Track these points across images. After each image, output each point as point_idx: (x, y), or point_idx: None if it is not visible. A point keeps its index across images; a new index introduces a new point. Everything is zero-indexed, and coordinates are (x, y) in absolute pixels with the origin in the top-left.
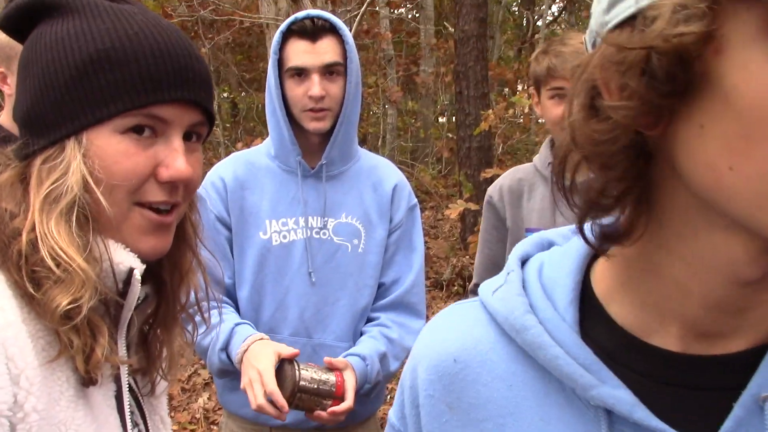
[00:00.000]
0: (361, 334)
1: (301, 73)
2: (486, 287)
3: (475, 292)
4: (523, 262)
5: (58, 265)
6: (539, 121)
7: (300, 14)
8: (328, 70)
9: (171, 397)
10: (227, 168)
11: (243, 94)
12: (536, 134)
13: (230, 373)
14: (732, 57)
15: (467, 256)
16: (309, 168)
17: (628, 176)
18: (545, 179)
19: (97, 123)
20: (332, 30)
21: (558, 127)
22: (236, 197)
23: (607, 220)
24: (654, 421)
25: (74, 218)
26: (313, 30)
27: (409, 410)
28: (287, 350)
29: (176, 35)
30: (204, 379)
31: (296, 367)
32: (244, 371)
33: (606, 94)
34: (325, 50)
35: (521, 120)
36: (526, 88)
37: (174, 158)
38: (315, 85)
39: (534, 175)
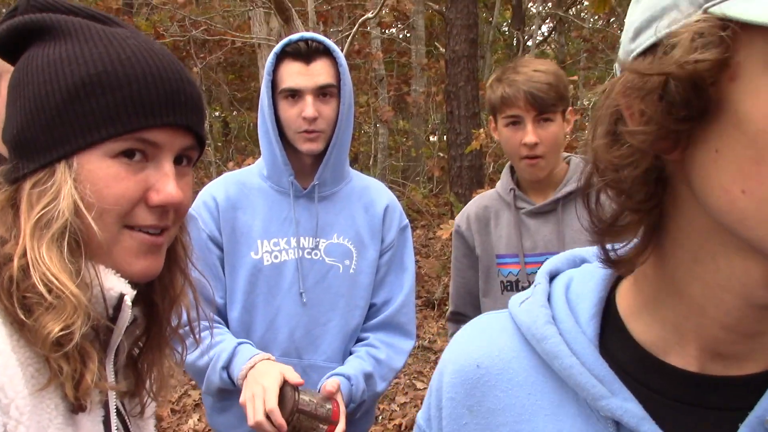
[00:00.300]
0: (349, 352)
1: (294, 94)
2: (515, 299)
3: (453, 320)
4: (553, 277)
5: (50, 291)
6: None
7: (294, 36)
8: (322, 92)
9: (161, 419)
10: (219, 188)
11: (234, 113)
12: None
13: (228, 392)
14: (745, 84)
15: None
16: (301, 188)
17: (644, 205)
18: (509, 205)
19: (88, 147)
20: (326, 52)
21: (513, 157)
22: (228, 217)
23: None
24: None
25: (66, 243)
26: (307, 52)
27: (434, 412)
28: (293, 375)
29: (168, 59)
30: (194, 401)
31: (296, 389)
32: (246, 386)
33: (628, 120)
34: (319, 72)
35: None
36: None
37: (165, 183)
38: (308, 107)
39: (498, 202)
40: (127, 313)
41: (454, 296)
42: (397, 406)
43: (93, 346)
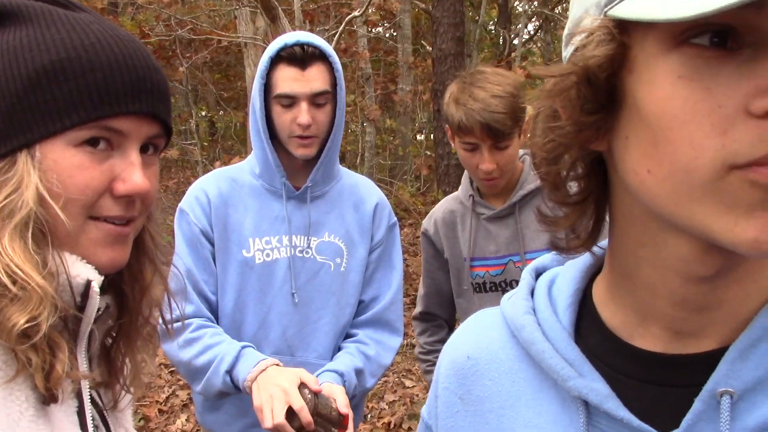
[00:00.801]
0: (339, 349)
1: (289, 100)
2: (506, 296)
3: (419, 319)
4: (541, 274)
5: (14, 283)
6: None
7: (289, 40)
8: (317, 99)
9: (148, 419)
10: (211, 183)
11: (221, 113)
12: None
13: (226, 395)
14: (640, 74)
15: None
16: (294, 189)
17: (571, 198)
18: (470, 210)
19: (51, 136)
20: (322, 57)
21: (470, 173)
22: (220, 213)
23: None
24: (622, 412)
25: (30, 234)
26: (302, 57)
27: (433, 402)
28: (310, 378)
29: (134, 45)
30: (182, 401)
31: (311, 392)
32: (261, 389)
33: (552, 117)
34: (315, 78)
35: None
36: None
37: (131, 172)
38: (303, 114)
39: (462, 207)
40: (95, 300)
41: (424, 297)
42: (386, 404)
43: (62, 336)
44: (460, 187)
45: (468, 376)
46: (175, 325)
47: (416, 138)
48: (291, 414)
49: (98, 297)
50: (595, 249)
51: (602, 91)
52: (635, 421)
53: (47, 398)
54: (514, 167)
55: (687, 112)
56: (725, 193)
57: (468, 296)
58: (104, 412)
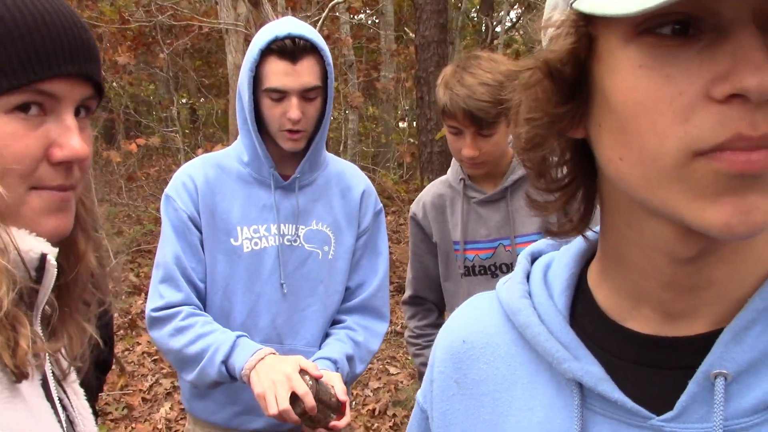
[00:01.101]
0: (327, 335)
1: (279, 95)
2: (502, 280)
3: (409, 303)
4: (537, 259)
5: None
6: None
7: (280, 32)
8: (307, 94)
9: (132, 408)
10: (197, 169)
11: (202, 100)
12: None
13: (220, 384)
14: (606, 63)
15: None
16: (282, 179)
17: (553, 184)
18: (459, 194)
19: None
20: (313, 49)
21: (456, 157)
22: (207, 201)
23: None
24: (617, 394)
25: None
26: (293, 50)
27: (428, 386)
28: (309, 365)
29: (59, 3)
30: (165, 389)
31: (312, 378)
32: (262, 376)
33: (525, 110)
34: (305, 72)
35: None
36: None
37: (68, 137)
38: (294, 109)
39: (451, 191)
40: (53, 273)
41: (413, 281)
42: (371, 391)
43: (20, 310)
44: (449, 171)
45: (463, 360)
46: (163, 312)
47: (398, 126)
48: (293, 400)
49: (55, 270)
50: (589, 234)
51: (567, 84)
52: (629, 403)
53: (18, 376)
54: (502, 154)
55: (649, 101)
56: (691, 180)
57: (456, 280)
58: (61, 382)
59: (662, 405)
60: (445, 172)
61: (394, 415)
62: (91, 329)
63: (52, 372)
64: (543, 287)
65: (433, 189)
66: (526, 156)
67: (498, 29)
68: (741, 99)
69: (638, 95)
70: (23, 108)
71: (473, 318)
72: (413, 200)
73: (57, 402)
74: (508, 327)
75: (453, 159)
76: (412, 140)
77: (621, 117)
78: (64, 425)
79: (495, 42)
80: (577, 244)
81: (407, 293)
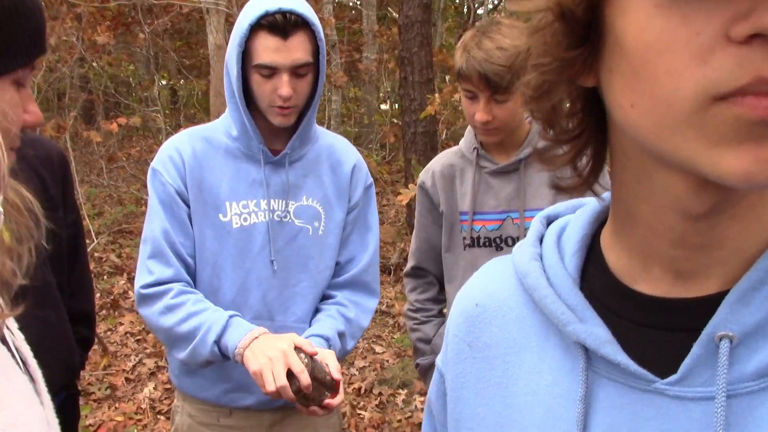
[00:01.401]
0: (317, 311)
1: (269, 71)
2: (517, 244)
3: (411, 275)
4: (552, 222)
5: None
6: None
7: (271, 7)
8: (298, 70)
9: (115, 388)
10: (184, 143)
11: (182, 81)
12: None
13: (211, 363)
14: (619, 5)
15: None
16: (271, 155)
17: (563, 135)
18: (472, 163)
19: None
20: (304, 24)
21: (470, 123)
22: (195, 175)
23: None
24: (620, 356)
25: None
26: (284, 25)
27: (444, 349)
28: (304, 342)
29: None
30: (149, 369)
31: (307, 355)
32: (257, 354)
33: (533, 56)
34: (297, 48)
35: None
36: None
37: (32, 105)
38: (284, 86)
39: (462, 160)
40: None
41: (416, 252)
42: (356, 370)
43: None
44: (461, 141)
45: (476, 324)
46: (153, 290)
47: (380, 107)
48: (288, 378)
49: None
50: (605, 195)
51: (580, 26)
52: (632, 366)
53: None
54: (518, 124)
55: (664, 42)
56: (709, 126)
57: (458, 251)
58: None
59: (667, 368)
60: (429, 153)
61: (380, 394)
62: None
63: None
64: (555, 250)
65: (443, 158)
66: (535, 105)
67: (480, 11)
68: (762, 39)
69: (652, 36)
70: (19, 81)
71: (487, 281)
72: (395, 181)
73: (15, 352)
74: (520, 290)
75: (467, 129)
76: (395, 120)
77: (634, 60)
78: (21, 365)
79: (476, 24)
80: (592, 205)
81: (409, 264)
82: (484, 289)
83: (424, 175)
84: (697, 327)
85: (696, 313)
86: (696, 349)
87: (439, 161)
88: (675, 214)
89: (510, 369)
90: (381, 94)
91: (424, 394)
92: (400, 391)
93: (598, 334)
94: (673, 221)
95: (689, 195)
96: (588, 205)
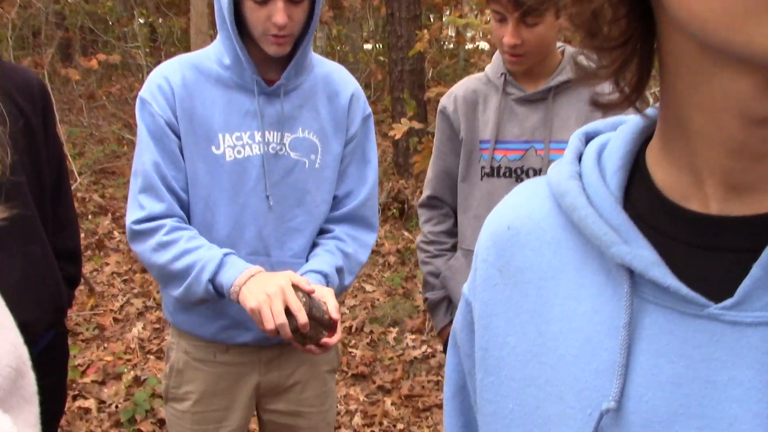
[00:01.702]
0: (314, 245)
1: None
2: (553, 163)
3: (426, 205)
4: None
5: None
6: (467, 47)
7: None
8: None
9: (103, 328)
10: (174, 70)
11: (160, 19)
12: (466, 60)
13: (206, 301)
14: None
15: (402, 180)
16: (266, 85)
17: (608, 42)
18: (497, 89)
19: None
20: None
21: (498, 46)
22: (185, 105)
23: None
24: (670, 279)
25: None
26: None
27: (472, 276)
28: (301, 280)
29: None
30: (137, 309)
31: (305, 293)
32: (255, 291)
33: None
34: None
35: (451, 45)
36: (452, 12)
37: None
38: (279, 13)
39: (487, 86)
40: None
41: (433, 180)
42: (347, 308)
43: None
44: (488, 67)
45: (507, 248)
46: (145, 225)
47: (363, 47)
48: (286, 315)
49: None
50: (649, 111)
51: None
52: (683, 289)
53: None
54: (548, 51)
55: None
56: None
57: (474, 181)
58: None
59: (722, 292)
60: (416, 91)
61: (371, 332)
62: None
63: None
64: (595, 167)
65: (466, 83)
66: (574, 10)
67: None
68: None
69: None
70: None
71: (520, 203)
72: (381, 121)
73: None
74: (556, 211)
75: (495, 54)
76: (382, 58)
77: None
78: None
79: None
80: (635, 121)
81: (425, 194)
82: (516, 210)
83: (446, 100)
84: (755, 247)
85: (754, 232)
86: (756, 270)
87: (462, 86)
88: (736, 120)
89: (544, 295)
90: (365, 33)
91: (414, 332)
92: (391, 329)
93: (644, 255)
94: (733, 128)
95: (756, 96)
96: (630, 121)
